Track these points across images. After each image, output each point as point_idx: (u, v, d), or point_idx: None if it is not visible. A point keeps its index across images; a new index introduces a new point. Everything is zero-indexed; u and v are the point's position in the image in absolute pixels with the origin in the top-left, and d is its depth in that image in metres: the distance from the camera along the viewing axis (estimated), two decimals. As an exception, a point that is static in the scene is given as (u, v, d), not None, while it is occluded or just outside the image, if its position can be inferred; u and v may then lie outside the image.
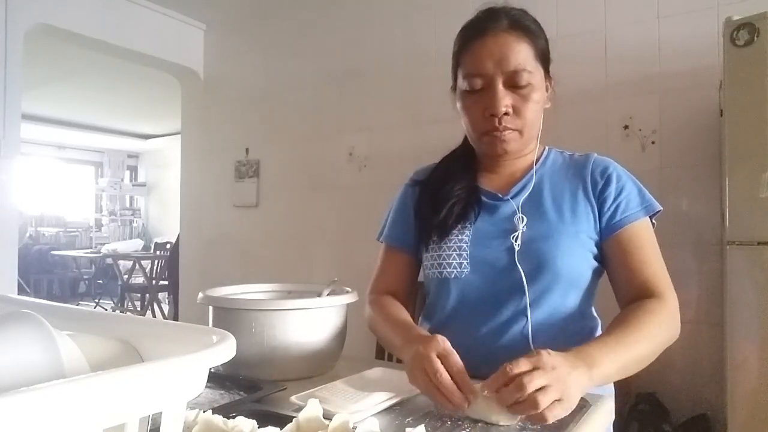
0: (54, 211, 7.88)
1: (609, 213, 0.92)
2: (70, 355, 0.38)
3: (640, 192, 0.94)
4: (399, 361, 1.04)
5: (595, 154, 0.99)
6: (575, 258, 0.91)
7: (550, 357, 0.65)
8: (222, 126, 3.72)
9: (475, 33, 0.92)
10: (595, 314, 1.04)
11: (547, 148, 1.05)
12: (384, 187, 2.96)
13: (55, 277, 7.25)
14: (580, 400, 0.72)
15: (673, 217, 2.17)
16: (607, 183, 0.93)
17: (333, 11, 3.17)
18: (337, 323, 0.92)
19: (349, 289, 0.99)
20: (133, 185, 8.62)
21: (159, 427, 0.35)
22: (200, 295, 0.92)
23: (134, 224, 8.59)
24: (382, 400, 0.70)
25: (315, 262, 3.14)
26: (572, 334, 0.93)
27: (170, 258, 5.01)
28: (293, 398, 0.70)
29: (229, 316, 0.87)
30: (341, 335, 0.93)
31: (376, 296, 1.03)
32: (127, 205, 8.67)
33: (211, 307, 0.91)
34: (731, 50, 1.54)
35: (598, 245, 0.95)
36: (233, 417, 0.54)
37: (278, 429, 0.53)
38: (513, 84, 0.89)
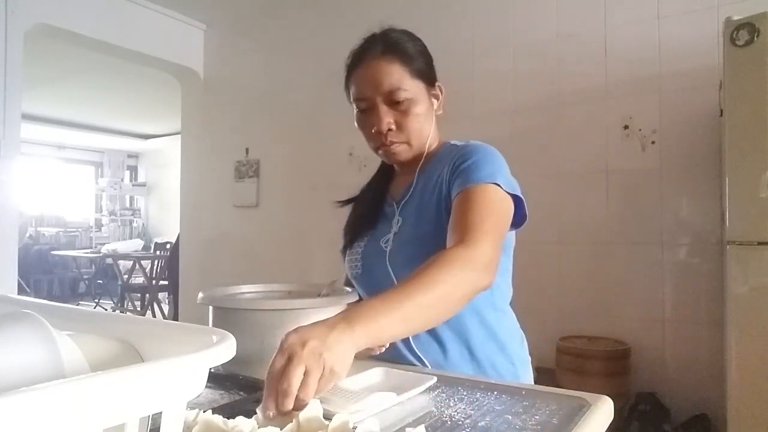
0: (54, 211, 7.88)
1: (456, 178, 0.95)
2: (70, 355, 0.38)
3: (492, 167, 0.94)
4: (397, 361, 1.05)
5: (474, 141, 1.02)
6: (438, 249, 0.89)
7: (297, 334, 0.63)
8: (222, 126, 3.72)
9: (354, 62, 1.04)
10: (499, 307, 1.03)
11: (444, 144, 1.09)
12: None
13: (55, 277, 7.25)
14: (579, 400, 0.73)
15: (673, 217, 2.17)
16: (460, 158, 0.97)
17: (333, 11, 3.17)
18: (337, 323, 0.91)
19: (349, 289, 0.98)
20: (133, 185, 8.62)
21: (159, 427, 0.35)
22: (200, 295, 0.92)
23: (134, 224, 8.59)
24: (382, 400, 0.70)
25: (315, 262, 3.14)
26: (462, 318, 0.97)
27: (170, 258, 5.01)
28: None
29: (229, 316, 0.87)
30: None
31: None
32: (127, 205, 8.67)
33: (211, 307, 0.91)
34: (731, 50, 1.54)
35: None
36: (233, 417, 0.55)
37: (278, 429, 0.53)
38: (392, 102, 0.99)
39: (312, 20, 3.26)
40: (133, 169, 8.94)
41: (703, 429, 1.99)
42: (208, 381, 0.37)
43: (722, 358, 1.82)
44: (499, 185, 0.91)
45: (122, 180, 8.58)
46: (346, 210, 1.21)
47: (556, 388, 0.80)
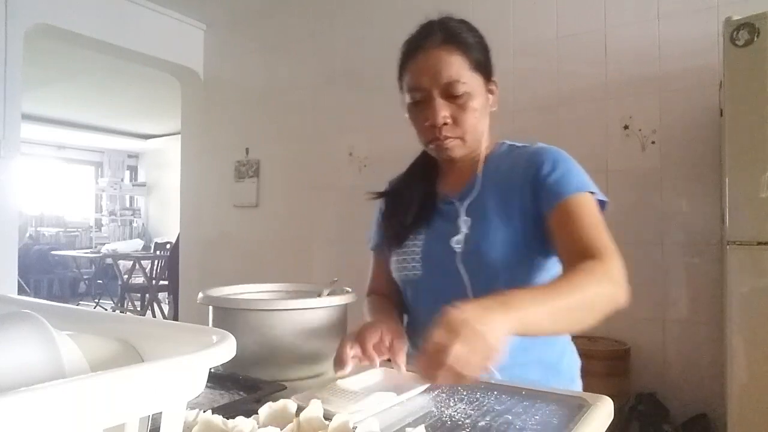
0: (54, 211, 7.88)
1: (545, 191, 0.92)
2: (70, 355, 0.38)
3: (577, 173, 0.94)
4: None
5: (539, 144, 1.01)
6: (517, 254, 0.92)
7: (460, 311, 0.65)
8: (222, 126, 3.72)
9: (411, 50, 0.99)
10: None
11: (500, 143, 1.08)
12: (384, 187, 2.97)
13: (55, 277, 7.25)
14: (579, 400, 0.73)
15: (673, 217, 2.17)
16: (541, 165, 0.94)
17: (333, 11, 3.17)
18: (337, 323, 0.92)
19: (349, 289, 0.98)
20: (133, 185, 8.61)
21: (159, 427, 0.35)
22: (200, 295, 0.92)
23: (134, 224, 8.59)
24: (382, 400, 0.70)
25: (315, 262, 3.14)
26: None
27: (170, 258, 5.01)
28: (293, 398, 0.70)
29: (229, 316, 0.87)
30: (341, 335, 0.93)
31: (368, 297, 1.12)
32: (127, 205, 8.67)
33: (211, 307, 0.91)
34: (731, 50, 1.54)
35: (544, 231, 0.94)
36: (233, 417, 0.55)
37: (278, 429, 0.53)
38: (449, 95, 0.95)
39: (312, 20, 3.26)
40: (133, 169, 8.93)
41: (703, 429, 1.99)
42: (208, 381, 0.37)
43: (722, 358, 1.82)
44: (593, 193, 0.91)
45: (122, 180, 8.58)
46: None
47: (556, 388, 0.80)
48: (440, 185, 1.07)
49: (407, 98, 0.99)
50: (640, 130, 2.23)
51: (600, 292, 0.80)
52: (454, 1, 2.78)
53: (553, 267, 0.98)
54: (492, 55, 1.04)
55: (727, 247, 1.55)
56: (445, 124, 0.96)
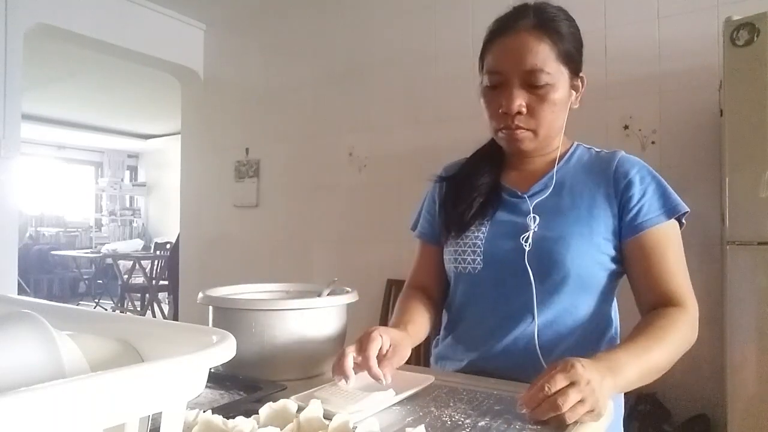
0: (54, 211, 7.88)
1: (631, 215, 0.90)
2: (70, 355, 0.38)
3: (664, 194, 0.91)
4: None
5: (622, 152, 0.97)
6: (587, 260, 0.90)
7: (584, 370, 0.66)
8: (222, 126, 3.72)
9: (499, 30, 0.94)
10: (613, 316, 0.99)
11: (574, 144, 1.04)
12: (384, 187, 2.97)
13: (55, 277, 7.25)
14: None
15: (673, 217, 2.17)
16: (629, 184, 0.91)
17: (333, 11, 3.17)
18: (337, 323, 0.92)
19: (349, 289, 0.98)
20: (133, 185, 8.61)
21: (159, 427, 0.35)
22: (200, 295, 0.92)
23: (134, 224, 8.58)
24: (382, 398, 0.70)
25: (315, 262, 3.14)
26: (581, 336, 0.92)
27: (170, 258, 5.01)
28: (293, 398, 0.70)
29: (229, 316, 0.87)
30: (341, 335, 0.93)
31: (405, 290, 1.08)
32: (127, 205, 8.67)
33: (211, 307, 0.91)
34: (731, 50, 1.54)
35: (617, 248, 0.92)
36: (233, 417, 0.55)
37: (278, 429, 0.53)
38: (530, 83, 0.90)
39: (312, 20, 3.26)
40: (133, 169, 8.93)
41: (703, 429, 1.99)
42: (208, 381, 0.37)
43: (722, 358, 1.82)
44: (681, 218, 0.91)
45: (122, 180, 8.58)
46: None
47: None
48: (505, 178, 1.02)
49: (485, 80, 0.94)
50: (640, 130, 2.23)
51: (683, 346, 0.84)
52: (453, 3, 2.78)
53: (617, 279, 0.97)
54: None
55: (727, 247, 1.54)
56: (519, 113, 0.90)
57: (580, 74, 0.96)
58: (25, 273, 6.26)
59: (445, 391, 0.78)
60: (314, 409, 0.56)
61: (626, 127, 2.26)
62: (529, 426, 0.65)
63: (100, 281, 7.38)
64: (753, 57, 1.50)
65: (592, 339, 0.94)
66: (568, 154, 1.01)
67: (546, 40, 0.89)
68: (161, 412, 0.35)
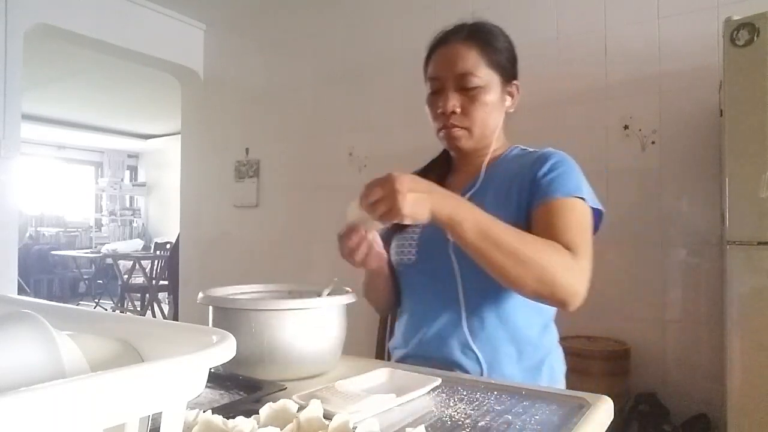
0: (54, 211, 7.88)
1: (539, 187, 0.95)
2: (70, 355, 0.38)
3: (577, 180, 0.96)
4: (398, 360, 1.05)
5: (550, 148, 1.03)
6: None
7: (397, 178, 0.78)
8: (222, 126, 3.72)
9: (437, 42, 1.07)
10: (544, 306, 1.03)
11: (512, 147, 1.11)
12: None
13: (55, 277, 7.25)
14: (579, 400, 0.73)
15: (673, 217, 2.17)
16: (543, 164, 0.98)
17: (333, 11, 3.17)
18: (337, 323, 0.92)
19: (349, 289, 0.98)
20: (133, 185, 8.61)
21: (159, 427, 0.35)
22: (200, 295, 0.92)
23: (134, 224, 8.59)
24: (382, 400, 0.70)
25: (315, 262, 3.14)
26: (510, 318, 0.98)
27: (170, 258, 5.01)
28: (294, 398, 0.70)
29: (229, 316, 0.87)
30: (341, 335, 0.93)
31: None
32: (127, 205, 8.67)
33: (210, 307, 0.91)
34: (731, 50, 1.54)
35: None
36: (233, 417, 0.54)
37: (278, 429, 0.53)
38: (463, 86, 1.01)
39: (312, 20, 3.26)
40: (133, 169, 8.93)
41: (703, 429, 1.99)
42: (208, 381, 0.37)
43: (722, 358, 1.82)
44: (584, 200, 0.94)
45: (122, 180, 8.58)
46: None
47: (557, 388, 0.80)
48: (448, 179, 1.12)
49: (427, 87, 1.06)
50: (640, 130, 2.23)
51: (547, 263, 0.82)
52: (453, 3, 2.78)
53: None
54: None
55: (727, 247, 1.55)
56: (454, 112, 1.01)
57: (514, 82, 1.08)
58: (25, 273, 6.26)
59: (445, 391, 0.78)
60: (314, 409, 0.56)
61: (626, 127, 2.26)
62: (530, 426, 0.65)
63: (100, 281, 7.38)
64: (753, 57, 1.50)
65: (522, 321, 0.99)
66: (503, 155, 1.09)
67: (476, 49, 1.01)
68: (161, 412, 0.35)
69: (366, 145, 2.96)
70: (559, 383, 1.04)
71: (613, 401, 0.75)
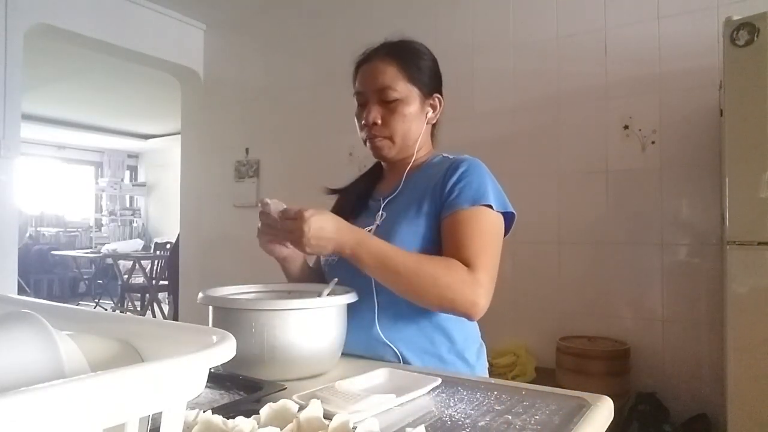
0: (54, 211, 7.88)
1: (448, 198, 1.01)
2: (70, 355, 0.38)
3: (482, 187, 1.01)
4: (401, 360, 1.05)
5: (467, 156, 1.09)
6: (412, 247, 1.01)
7: (311, 214, 0.90)
8: (222, 126, 3.72)
9: (361, 60, 1.14)
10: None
11: (436, 154, 1.16)
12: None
13: (55, 277, 7.25)
14: (579, 400, 0.73)
15: (673, 217, 2.17)
16: (452, 174, 1.03)
17: (333, 11, 3.17)
18: (337, 323, 0.92)
19: (349, 289, 0.98)
20: (133, 185, 8.62)
21: (159, 427, 0.35)
22: (200, 295, 0.92)
23: (134, 224, 8.59)
24: (382, 400, 0.70)
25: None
26: (421, 312, 1.02)
27: (170, 258, 5.01)
28: (294, 398, 0.70)
29: (229, 316, 0.87)
30: (341, 335, 0.93)
31: None
32: (127, 205, 8.67)
33: (211, 307, 0.91)
34: (731, 50, 1.54)
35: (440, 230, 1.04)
36: (233, 417, 0.54)
37: (278, 429, 0.53)
38: (383, 99, 1.08)
39: (312, 20, 3.26)
40: (133, 169, 8.94)
41: (703, 429, 1.99)
42: (208, 381, 0.37)
43: (722, 358, 1.82)
44: (491, 206, 0.98)
45: (122, 180, 8.58)
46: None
47: (556, 388, 0.80)
48: (376, 187, 1.21)
49: (355, 101, 1.15)
50: (640, 130, 2.23)
51: (443, 284, 0.91)
52: (453, 3, 2.78)
53: None
54: (442, 76, 1.15)
55: (727, 247, 1.55)
56: (375, 123, 1.09)
57: (436, 95, 1.13)
58: (25, 273, 6.27)
59: (445, 391, 0.78)
60: (314, 409, 0.56)
61: (626, 127, 2.26)
62: (530, 426, 0.65)
63: (100, 281, 7.38)
64: (753, 57, 1.50)
65: (432, 316, 1.03)
66: (425, 163, 1.14)
67: (394, 64, 1.08)
68: (161, 412, 0.35)
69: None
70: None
71: (613, 401, 0.75)
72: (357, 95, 1.14)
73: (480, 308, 0.93)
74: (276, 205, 1.03)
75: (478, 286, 0.92)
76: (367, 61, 1.12)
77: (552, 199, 2.40)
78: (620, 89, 2.27)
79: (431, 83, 1.12)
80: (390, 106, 1.08)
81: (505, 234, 1.04)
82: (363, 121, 1.11)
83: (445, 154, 1.14)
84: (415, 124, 1.11)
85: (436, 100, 1.14)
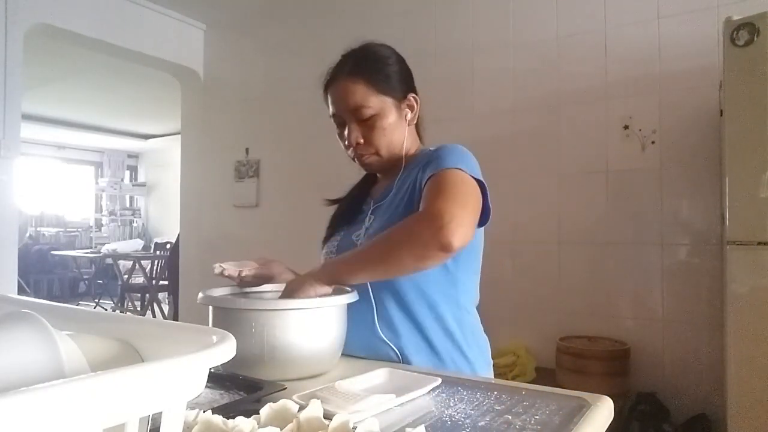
0: (54, 211, 7.88)
1: (424, 178, 1.00)
2: (70, 355, 0.38)
3: (456, 157, 0.99)
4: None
5: (446, 143, 1.07)
6: None
7: (296, 278, 0.96)
8: (222, 126, 3.72)
9: (328, 81, 1.13)
10: (459, 287, 1.06)
11: (421, 149, 1.15)
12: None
13: (55, 277, 7.25)
14: (579, 400, 0.73)
15: (673, 217, 2.17)
16: (429, 158, 1.03)
17: (333, 12, 3.17)
18: (337, 323, 0.92)
19: (349, 289, 0.98)
20: (133, 185, 8.62)
21: (159, 427, 0.35)
22: (200, 295, 0.92)
23: (134, 224, 8.59)
24: (382, 400, 0.70)
25: (315, 263, 3.14)
26: (419, 308, 1.02)
27: (170, 258, 5.01)
28: (294, 398, 0.70)
29: (229, 316, 0.87)
30: (341, 335, 0.93)
31: None
32: (127, 205, 8.67)
33: (211, 307, 0.91)
34: (731, 50, 1.54)
35: None
36: (233, 417, 0.54)
37: (278, 429, 0.53)
38: (359, 118, 1.08)
39: (312, 20, 3.26)
40: (133, 169, 8.93)
41: (703, 429, 1.99)
42: (208, 381, 0.37)
43: (722, 358, 1.82)
44: (464, 170, 0.96)
45: (122, 180, 8.58)
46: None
47: (556, 388, 0.80)
48: (372, 192, 1.22)
49: (333, 122, 1.15)
50: (640, 130, 2.23)
51: (409, 240, 0.88)
52: (453, 3, 2.78)
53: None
54: (414, 74, 1.15)
55: (727, 247, 1.55)
56: (358, 143, 1.09)
57: (411, 95, 1.12)
58: (25, 273, 6.27)
59: (445, 391, 0.78)
60: (314, 409, 0.56)
61: (626, 127, 2.26)
62: (530, 426, 0.65)
63: (100, 281, 7.38)
64: (753, 57, 1.50)
65: (432, 310, 1.02)
66: (410, 162, 1.13)
67: (361, 81, 1.06)
68: (161, 412, 0.35)
69: (366, 145, 2.96)
70: (485, 373, 1.07)
71: (613, 401, 0.75)
72: (333, 118, 1.14)
73: (457, 239, 0.85)
74: (231, 269, 1.09)
75: (449, 220, 0.85)
76: (334, 81, 1.11)
77: (552, 199, 2.40)
78: (620, 89, 2.27)
79: (402, 86, 1.11)
80: (368, 123, 1.08)
81: (484, 223, 0.99)
82: (346, 142, 1.12)
83: (428, 149, 1.13)
84: (396, 133, 1.10)
85: (412, 99, 1.12)
